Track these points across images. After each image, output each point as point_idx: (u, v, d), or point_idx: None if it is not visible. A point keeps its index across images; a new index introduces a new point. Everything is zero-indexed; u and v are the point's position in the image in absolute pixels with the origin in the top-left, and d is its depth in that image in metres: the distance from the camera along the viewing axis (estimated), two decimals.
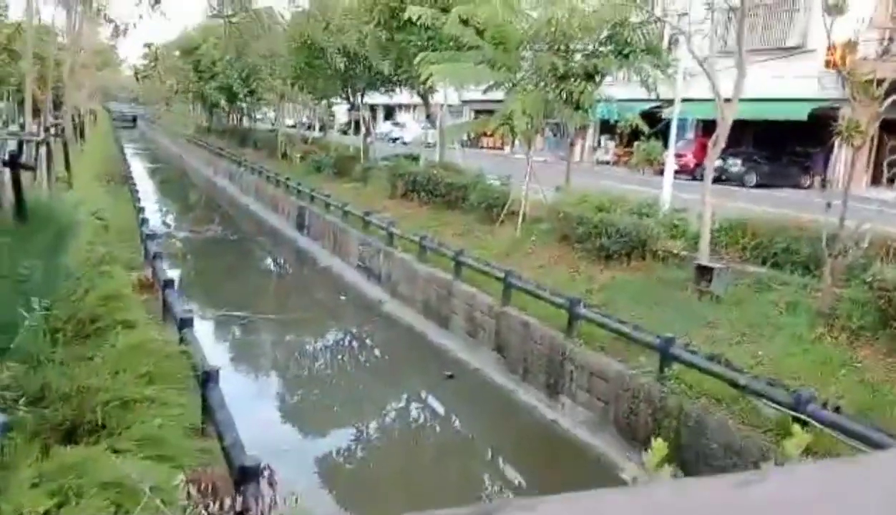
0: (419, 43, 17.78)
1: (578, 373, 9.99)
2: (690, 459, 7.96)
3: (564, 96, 15.25)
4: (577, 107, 15.24)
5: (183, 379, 6.35)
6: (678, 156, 30.21)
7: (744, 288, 10.46)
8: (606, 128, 37.66)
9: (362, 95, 27.86)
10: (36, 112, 29.95)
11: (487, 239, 15.31)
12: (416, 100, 26.96)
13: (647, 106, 25.83)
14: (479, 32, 15.21)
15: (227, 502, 3.86)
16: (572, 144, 16.91)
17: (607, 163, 38.07)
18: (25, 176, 11.35)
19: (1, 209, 6.64)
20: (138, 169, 42.51)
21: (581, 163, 36.68)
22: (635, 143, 32.71)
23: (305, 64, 25.86)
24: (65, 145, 15.96)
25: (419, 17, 15.02)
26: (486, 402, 11.37)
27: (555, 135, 32.35)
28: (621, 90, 18.60)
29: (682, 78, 15.32)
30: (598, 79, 15.38)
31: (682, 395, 8.20)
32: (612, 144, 39.27)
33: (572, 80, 14.83)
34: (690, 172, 25.74)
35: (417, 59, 14.94)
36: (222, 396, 6.08)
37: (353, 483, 9.06)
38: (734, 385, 7.67)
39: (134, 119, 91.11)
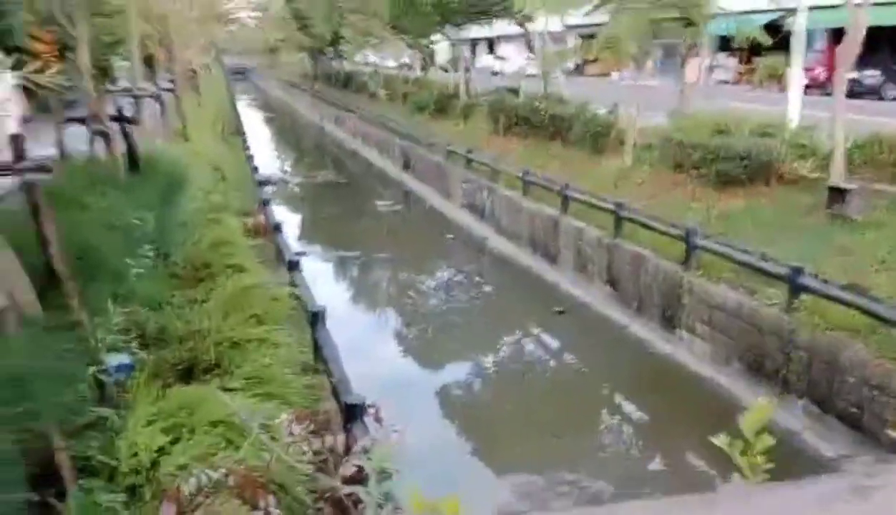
0: None
1: (697, 306, 9.46)
2: (823, 394, 7.39)
3: (674, 13, 14.16)
4: (689, 24, 14.10)
5: (291, 320, 6.48)
6: (806, 69, 27.78)
7: (882, 210, 9.46)
8: (725, 45, 35.06)
9: (460, 30, 27.19)
10: (154, 69, 31.46)
11: (594, 170, 14.66)
12: (517, 30, 26.04)
13: (769, 17, 23.67)
14: None
15: (329, 439, 3.87)
16: (683, 65, 15.69)
17: (727, 82, 35.55)
18: (141, 130, 11.92)
19: (115, 162, 6.93)
20: (250, 118, 44.12)
21: (697, 85, 34.46)
22: (757, 59, 30.28)
23: (402, 2, 25.49)
24: (178, 99, 16.58)
25: None
26: (598, 337, 11.06)
27: (667, 57, 30.43)
28: (739, 2, 17.05)
29: None
30: None
31: (813, 328, 7.55)
32: (731, 62, 36.52)
33: None
34: (821, 87, 23.55)
35: None
36: (329, 335, 6.16)
37: (465, 417, 9.10)
38: (873, 315, 6.95)
39: (245, 71, 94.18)
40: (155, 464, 3.64)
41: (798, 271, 7.86)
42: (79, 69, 7.45)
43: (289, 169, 27.44)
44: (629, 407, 9.35)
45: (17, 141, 3.85)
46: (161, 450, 3.74)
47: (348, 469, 3.11)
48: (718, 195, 11.74)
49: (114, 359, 5.17)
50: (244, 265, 7.14)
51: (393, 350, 11.12)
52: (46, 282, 4.09)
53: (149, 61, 30.50)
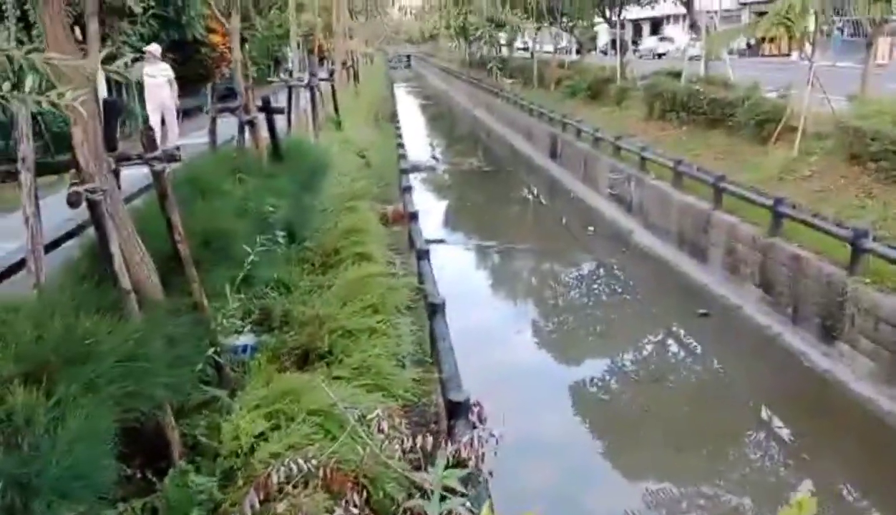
0: None
1: (862, 318, 8.44)
2: None
3: None
4: None
5: (414, 311, 6.53)
6: None
7: None
8: None
9: (620, 10, 26.13)
10: (320, 60, 33.25)
11: (757, 160, 13.50)
12: (683, 10, 24.60)
13: None
14: None
15: (424, 438, 3.81)
16: (870, 44, 13.96)
17: None
18: (295, 119, 12.58)
19: (259, 151, 7.33)
20: (407, 106, 45.45)
21: (888, 67, 30.77)
22: None
23: None
24: (332, 88, 17.34)
25: None
26: (746, 344, 10.22)
27: (854, 35, 27.39)
28: None
29: None
30: None
31: None
32: None
33: None
34: None
35: None
36: (446, 328, 6.12)
37: (596, 418, 8.79)
38: None
39: (408, 58, 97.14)
40: (253, 449, 3.77)
41: None
42: (234, 58, 7.93)
43: (438, 155, 27.89)
44: (774, 425, 8.57)
45: (147, 133, 4.13)
46: (261, 436, 3.87)
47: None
48: None
49: (240, 340, 5.50)
50: (371, 253, 7.29)
51: (521, 345, 10.93)
52: (172, 268, 4.36)
53: (319, 52, 32.35)
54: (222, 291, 4.96)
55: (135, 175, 5.10)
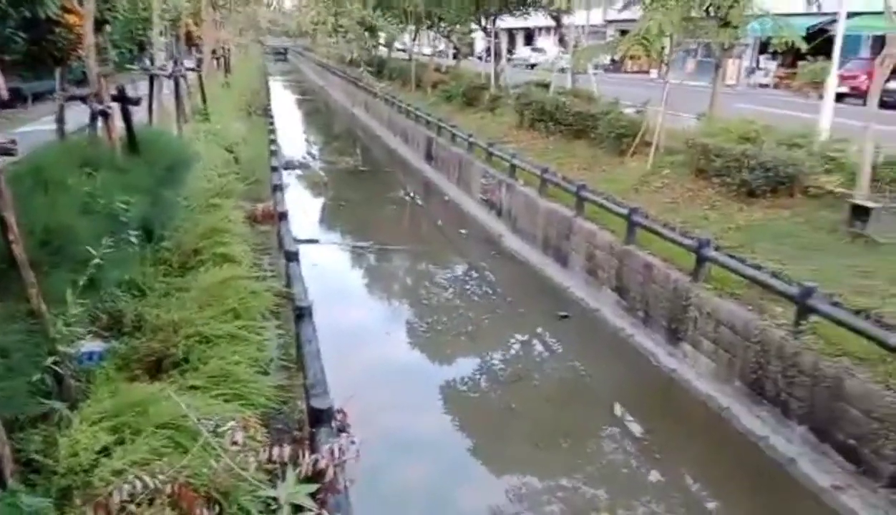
0: None
1: (704, 321, 9.16)
2: (823, 422, 7.09)
3: (710, 11, 13.73)
4: (726, 24, 13.65)
5: (275, 315, 6.38)
6: (849, 77, 26.90)
7: None
8: (766, 47, 34.17)
9: (495, 20, 26.85)
10: (190, 48, 31.66)
11: (615, 171, 14.36)
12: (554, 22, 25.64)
13: (812, 21, 22.92)
14: None
15: (279, 449, 3.73)
16: (718, 66, 15.21)
17: (767, 85, 34.72)
18: (158, 109, 11.92)
19: (113, 143, 6.88)
20: (283, 100, 44.30)
21: (736, 87, 33.63)
22: (800, 64, 29.43)
23: None
24: (200, 79, 16.59)
25: None
26: (602, 345, 10.83)
27: (707, 56, 29.73)
28: (782, 4, 16.47)
29: None
30: None
31: (819, 352, 7.23)
32: (772, 65, 35.68)
33: None
34: (863, 96, 22.71)
35: None
36: (313, 331, 6.02)
37: (465, 417, 8.97)
38: (882, 345, 6.62)
39: (285, 52, 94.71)
40: (94, 466, 3.54)
41: (808, 292, 7.53)
42: (85, 45, 7.40)
43: (313, 152, 27.43)
44: (626, 422, 9.15)
45: None
46: (104, 451, 3.64)
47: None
48: (739, 206, 11.39)
49: (85, 347, 5.14)
50: (234, 254, 7.05)
51: (393, 346, 11.00)
52: (5, 271, 4.01)
53: (188, 38, 30.80)
54: (63, 295, 4.62)
55: None
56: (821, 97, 17.11)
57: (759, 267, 8.68)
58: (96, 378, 4.67)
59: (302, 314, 6.25)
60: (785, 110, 20.22)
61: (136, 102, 7.59)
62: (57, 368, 4.16)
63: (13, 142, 4.02)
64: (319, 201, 20.70)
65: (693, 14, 13.71)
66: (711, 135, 12.71)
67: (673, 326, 9.73)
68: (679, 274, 9.76)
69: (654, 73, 32.41)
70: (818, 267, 8.91)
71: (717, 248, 9.45)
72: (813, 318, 7.52)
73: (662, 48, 14.99)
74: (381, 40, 39.74)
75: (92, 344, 5.11)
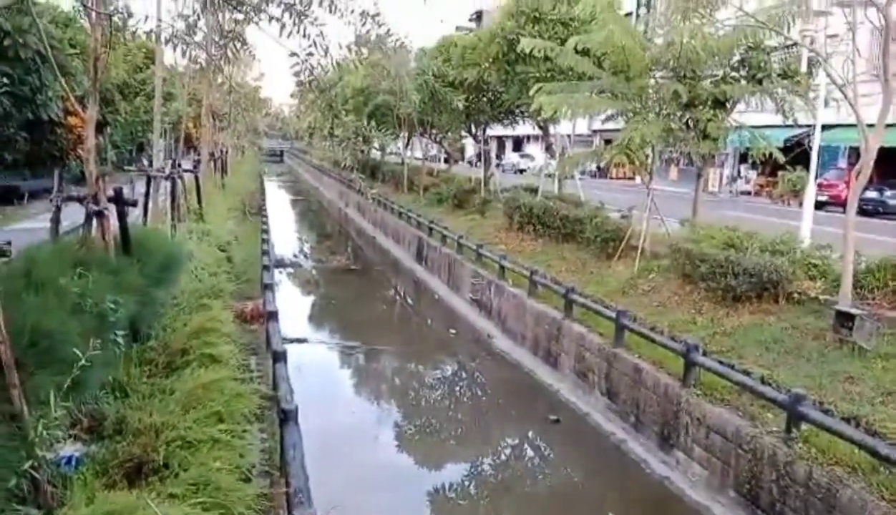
0: (538, 74, 17.47)
1: (695, 427, 9.05)
2: None
3: (690, 124, 14.34)
4: (705, 136, 14.23)
5: (259, 418, 6.28)
6: (828, 186, 27.86)
7: (892, 339, 9.10)
8: (746, 157, 35.49)
9: (485, 128, 27.88)
10: (188, 149, 32.55)
11: (603, 274, 14.54)
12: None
13: (790, 132, 23.93)
14: (598, 62, 14.68)
15: None
16: (700, 175, 15.75)
17: (748, 193, 35.83)
18: (154, 209, 12.12)
19: (106, 243, 6.96)
20: (277, 200, 45.12)
21: (718, 195, 34.68)
22: (780, 173, 30.49)
23: (430, 99, 26.31)
24: (197, 180, 16.98)
25: (532, 49, 14.67)
26: (593, 451, 10.61)
27: (689, 164, 30.83)
28: (760, 117, 17.26)
29: (824, 103, 13.91)
30: (728, 105, 14.32)
31: (811, 461, 7.13)
32: (752, 174, 36.94)
33: (699, 107, 13.90)
34: (842, 204, 23.46)
35: (532, 90, 14.57)
36: (297, 436, 5.91)
37: None
38: (873, 453, 6.55)
39: (281, 154, 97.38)
40: None
41: (798, 398, 7.51)
42: (86, 148, 7.60)
43: (306, 251, 27.72)
44: None
45: None
46: None
47: None
48: (725, 310, 11.48)
49: (64, 451, 5.02)
50: (221, 354, 7.00)
51: (380, 450, 10.76)
52: None
53: (187, 140, 31.71)
54: (47, 397, 4.55)
55: None
56: (801, 205, 17.68)
57: (748, 373, 8.68)
58: (73, 484, 4.54)
59: (287, 418, 6.15)
60: (766, 217, 20.81)
61: (133, 204, 7.75)
62: (34, 473, 4.06)
63: (8, 243, 4.10)
64: (309, 299, 20.74)
65: (673, 126, 14.31)
66: (695, 241, 12.97)
67: (665, 432, 9.60)
68: (669, 378, 9.73)
69: (638, 180, 33.46)
70: (806, 372, 8.92)
71: (705, 353, 9.47)
72: (804, 426, 7.46)
73: (646, 156, 15.58)
74: (375, 145, 41.02)
75: (71, 448, 5.00)
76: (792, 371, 9.10)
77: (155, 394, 6.11)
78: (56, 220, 7.37)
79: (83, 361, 4.42)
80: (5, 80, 17.72)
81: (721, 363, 9.13)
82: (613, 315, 11.19)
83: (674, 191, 27.84)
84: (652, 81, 14.80)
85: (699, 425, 8.92)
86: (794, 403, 7.56)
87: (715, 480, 8.56)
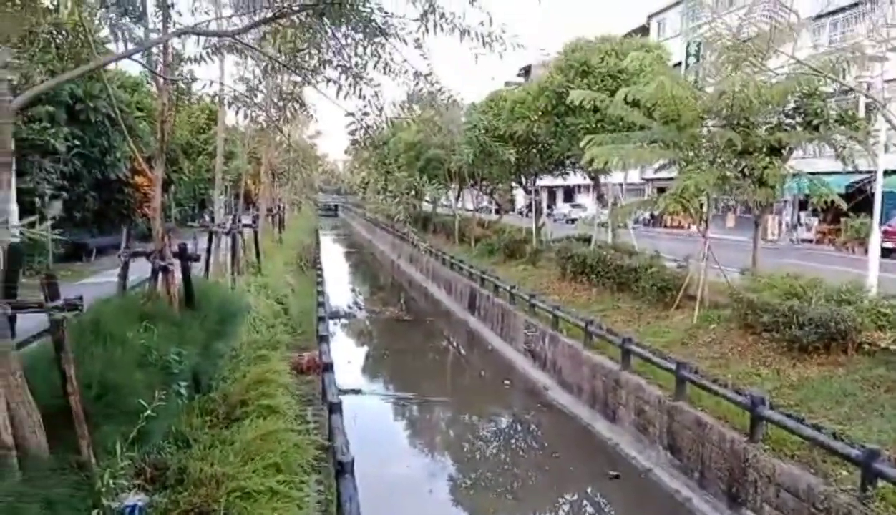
0: (588, 126, 17.57)
1: (764, 484, 8.64)
2: None
3: (745, 172, 14.11)
4: (762, 184, 13.97)
5: (316, 469, 6.28)
6: (893, 233, 26.83)
7: None
8: (806, 203, 34.56)
9: (535, 179, 28.01)
10: (248, 205, 33.64)
11: (660, 325, 14.22)
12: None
13: (851, 179, 23.30)
14: (649, 112, 14.68)
15: None
16: (758, 223, 15.40)
17: (809, 241, 34.74)
18: (215, 263, 12.50)
19: (171, 297, 7.21)
20: (332, 253, 45.97)
21: (777, 243, 33.76)
22: (843, 220, 29.56)
23: (480, 153, 26.68)
24: (255, 234, 17.49)
25: (581, 100, 14.79)
26: (656, 509, 10.21)
27: (746, 212, 30.21)
28: (820, 163, 16.88)
29: (884, 148, 13.55)
30: (784, 152, 14.07)
31: None
32: (814, 221, 35.86)
33: (754, 154, 13.69)
34: None
35: (583, 142, 14.63)
36: (353, 489, 5.88)
37: None
38: None
39: (335, 208, 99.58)
40: None
41: (873, 454, 7.11)
42: (153, 206, 7.96)
43: (360, 303, 28.02)
44: None
45: (49, 280, 4.04)
46: None
47: None
48: (791, 362, 11.05)
49: (128, 500, 5.11)
50: (279, 405, 7.08)
51: (434, 502, 10.60)
52: (62, 421, 4.12)
53: (247, 196, 32.83)
54: (113, 447, 4.68)
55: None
56: (866, 252, 17.05)
57: (818, 428, 8.28)
58: None
59: (343, 469, 6.15)
60: (829, 265, 20.11)
61: (196, 259, 8.03)
62: None
63: (80, 297, 4.27)
64: (363, 350, 20.86)
65: (728, 174, 14.10)
66: (756, 290, 12.61)
67: (732, 489, 9.19)
68: (734, 433, 9.36)
69: (693, 228, 32.92)
70: (880, 427, 8.47)
71: (772, 406, 9.10)
72: (880, 483, 7.05)
73: (700, 205, 15.35)
74: (427, 198, 41.59)
75: (135, 498, 5.08)
76: (865, 425, 8.66)
77: (215, 445, 6.20)
78: (124, 275, 7.67)
79: (148, 412, 4.52)
80: (77, 143, 18.78)
81: (790, 417, 8.74)
82: (673, 366, 10.89)
83: (731, 239, 27.25)
84: (704, 130, 14.70)
85: (769, 482, 8.52)
86: (868, 459, 7.16)
87: None
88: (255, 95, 13.74)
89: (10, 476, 3.46)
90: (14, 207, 4.29)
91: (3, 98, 4.29)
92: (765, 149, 13.82)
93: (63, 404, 4.18)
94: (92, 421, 4.35)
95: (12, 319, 4.19)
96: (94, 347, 5.08)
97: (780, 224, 36.47)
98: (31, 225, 3.91)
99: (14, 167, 5.22)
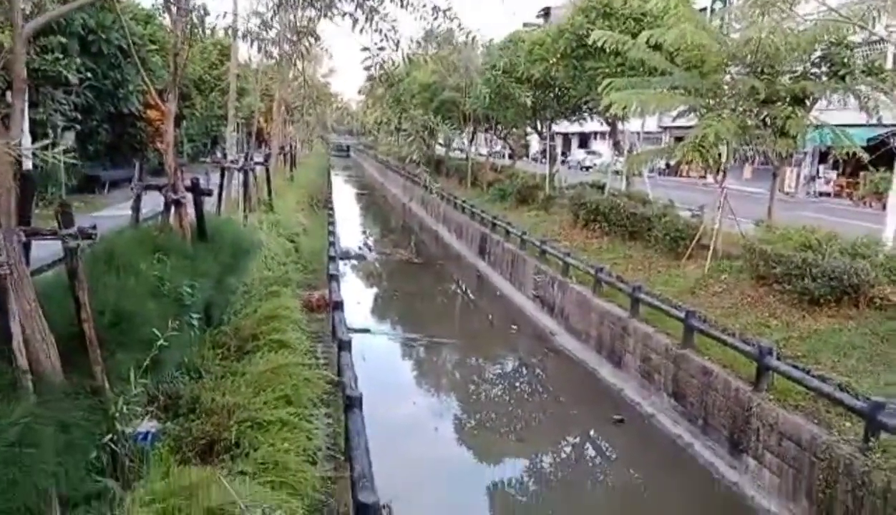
0: (607, 70, 17.16)
1: (767, 433, 8.74)
2: None
3: (767, 121, 13.82)
4: (783, 134, 13.69)
5: (325, 403, 6.39)
6: None
7: None
8: (826, 156, 33.96)
9: (551, 124, 27.59)
10: (259, 143, 33.48)
11: (671, 274, 14.19)
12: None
13: (874, 132, 22.79)
14: (671, 57, 14.31)
15: None
16: (776, 174, 15.17)
17: (827, 194, 34.28)
18: (227, 200, 12.49)
19: (182, 230, 7.22)
20: (343, 194, 45.88)
21: (794, 195, 33.34)
22: (862, 174, 29.08)
23: (496, 95, 26.23)
24: (267, 172, 17.41)
25: (604, 42, 14.40)
26: (658, 453, 10.38)
27: (764, 164, 29.75)
28: (842, 115, 16.48)
29: None
30: (807, 103, 13.73)
31: (890, 471, 6.78)
32: (832, 174, 35.32)
33: (777, 103, 13.38)
34: None
35: (602, 86, 14.32)
36: (361, 423, 5.99)
37: None
38: None
39: (347, 149, 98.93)
40: None
41: (878, 407, 7.15)
42: (166, 140, 7.91)
43: (370, 244, 28.09)
44: None
45: (63, 209, 4.04)
46: None
47: None
48: (801, 314, 11.03)
49: (141, 427, 5.22)
50: (290, 341, 7.16)
51: (440, 442, 10.80)
52: (75, 347, 4.17)
53: (258, 134, 32.61)
54: (127, 374, 4.75)
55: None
56: (884, 207, 16.82)
57: (824, 379, 8.32)
58: (149, 458, 4.72)
59: (351, 404, 6.25)
60: (846, 219, 19.87)
61: (209, 193, 8.01)
62: (114, 446, 4.24)
63: (94, 226, 4.27)
64: (373, 291, 21.02)
65: (749, 123, 13.81)
66: (770, 242, 12.51)
67: (734, 437, 9.30)
68: (740, 382, 9.42)
69: (709, 178, 32.47)
70: (887, 381, 8.50)
71: (779, 357, 9.13)
72: (883, 435, 7.10)
73: (719, 154, 15.09)
74: (440, 140, 41.14)
75: (148, 425, 5.20)
76: (872, 378, 8.69)
77: (227, 376, 6.30)
78: (136, 208, 7.68)
79: (161, 341, 4.58)
80: (89, 75, 18.59)
81: (796, 368, 8.77)
82: (682, 315, 10.90)
83: (748, 190, 26.94)
84: (727, 77, 14.34)
85: (771, 431, 8.61)
86: (873, 411, 7.20)
87: (787, 488, 8.24)
88: (269, 29, 13.52)
89: (25, 398, 3.51)
90: (28, 137, 4.29)
91: (15, 23, 4.22)
92: (788, 99, 13.51)
93: (77, 331, 4.23)
94: (106, 349, 4.40)
95: (26, 246, 4.21)
96: (107, 277, 5.11)
97: (798, 177, 35.94)
98: (45, 148, 3.87)
99: (26, 97, 5.17)
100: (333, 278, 11.78)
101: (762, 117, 13.87)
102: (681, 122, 20.11)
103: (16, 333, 3.56)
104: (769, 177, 15.75)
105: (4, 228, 3.59)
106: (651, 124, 39.88)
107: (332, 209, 24.61)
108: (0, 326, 3.61)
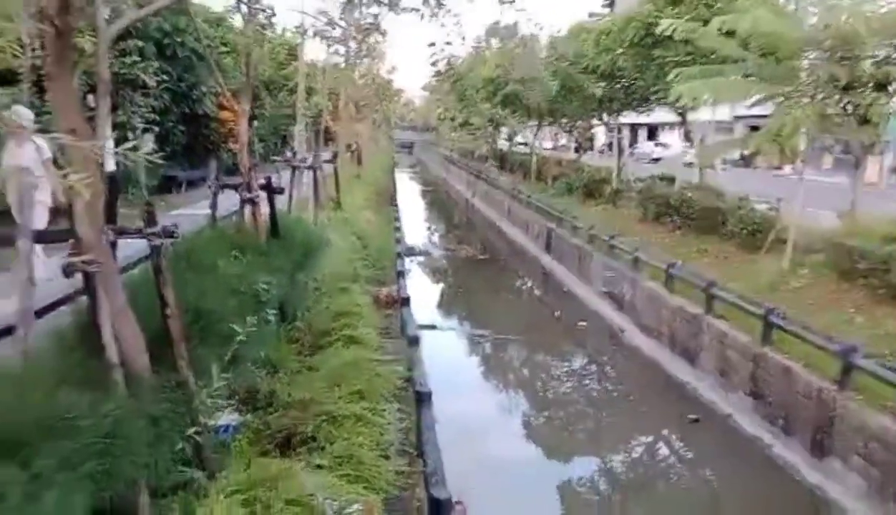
0: (677, 59, 16.68)
1: (853, 434, 8.34)
2: None
3: (848, 109, 13.16)
4: (865, 122, 13.01)
5: (397, 398, 6.44)
6: None
7: None
8: None
9: (617, 116, 27.07)
10: (327, 141, 34.07)
11: (748, 269, 13.68)
12: (678, 118, 25.55)
13: None
14: (744, 43, 13.78)
15: None
16: (858, 165, 14.42)
17: None
18: (297, 198, 12.75)
19: (257, 228, 7.40)
20: (408, 190, 46.25)
21: (878, 186, 31.68)
22: None
23: (562, 86, 25.92)
24: (335, 171, 17.68)
25: (673, 30, 13.99)
26: (736, 454, 10.03)
27: (845, 153, 28.38)
28: None
29: None
30: (891, 89, 12.99)
31: None
32: None
33: (859, 90, 12.71)
34: None
35: (671, 75, 13.92)
36: (432, 419, 6.02)
37: None
38: None
39: (411, 145, 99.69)
40: None
41: None
42: (240, 140, 8.11)
43: (435, 241, 28.22)
44: None
45: (147, 207, 4.18)
46: None
47: None
48: (888, 311, 10.47)
49: (222, 420, 5.38)
50: (361, 336, 7.25)
51: (510, 439, 10.75)
52: (161, 343, 4.32)
53: (326, 132, 33.17)
54: (209, 369, 4.90)
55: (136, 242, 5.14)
56: None
57: None
58: (230, 450, 4.86)
59: (422, 399, 6.28)
60: None
61: (281, 192, 8.19)
62: (198, 438, 4.38)
63: (175, 225, 4.41)
64: (439, 287, 21.10)
65: (829, 111, 13.18)
66: (854, 236, 11.93)
67: (818, 438, 8.91)
68: (823, 381, 9.01)
69: (787, 169, 31.18)
70: None
71: (866, 355, 8.68)
72: None
73: (797, 145, 14.47)
74: (504, 135, 40.97)
75: (229, 418, 5.35)
76: None
77: (302, 371, 6.44)
78: (213, 206, 7.92)
79: (241, 337, 4.69)
80: (165, 78, 19.28)
81: (884, 366, 8.33)
82: (762, 312, 10.50)
83: (828, 181, 25.73)
84: (805, 63, 13.72)
85: (858, 433, 8.21)
86: None
87: (875, 491, 7.84)
88: (335, 28, 13.72)
89: (116, 391, 3.66)
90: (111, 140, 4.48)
91: (99, 26, 4.40)
92: (870, 85, 12.82)
93: (161, 326, 4.38)
94: (189, 345, 4.54)
95: (113, 245, 4.38)
96: (188, 274, 5.28)
97: (881, 167, 34.14)
98: (132, 150, 4.02)
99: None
100: (401, 275, 11.89)
101: (843, 105, 13.21)
102: (755, 111, 19.38)
103: (106, 327, 3.71)
104: (850, 167, 14.99)
105: (95, 228, 3.74)
106: (723, 113, 38.64)
107: (397, 206, 24.83)
108: (91, 322, 3.77)
